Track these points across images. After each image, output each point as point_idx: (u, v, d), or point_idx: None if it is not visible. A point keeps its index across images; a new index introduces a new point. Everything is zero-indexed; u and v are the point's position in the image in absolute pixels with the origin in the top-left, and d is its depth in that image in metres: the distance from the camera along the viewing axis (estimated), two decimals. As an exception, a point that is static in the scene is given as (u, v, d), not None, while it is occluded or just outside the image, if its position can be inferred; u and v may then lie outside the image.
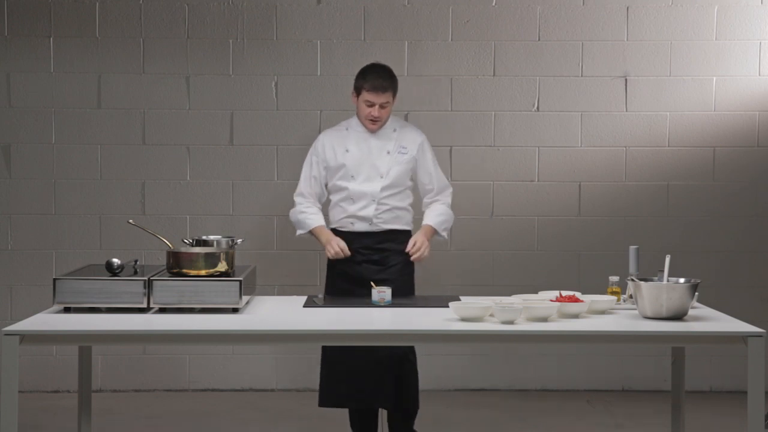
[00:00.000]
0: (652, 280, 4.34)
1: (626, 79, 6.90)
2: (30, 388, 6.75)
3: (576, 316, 4.33)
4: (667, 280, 4.30)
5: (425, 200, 5.42)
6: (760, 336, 3.96)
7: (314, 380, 6.83)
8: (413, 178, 5.42)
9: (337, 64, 6.84)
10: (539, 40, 6.88)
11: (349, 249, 5.24)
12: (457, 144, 6.90)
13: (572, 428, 6.16)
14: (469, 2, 6.87)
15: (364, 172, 5.30)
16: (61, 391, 6.87)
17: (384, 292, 4.69)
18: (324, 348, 5.29)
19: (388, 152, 5.31)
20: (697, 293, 4.39)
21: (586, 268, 6.90)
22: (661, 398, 6.51)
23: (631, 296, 4.53)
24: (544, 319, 4.22)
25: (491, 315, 4.24)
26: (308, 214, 5.35)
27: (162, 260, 4.73)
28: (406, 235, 5.33)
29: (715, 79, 6.90)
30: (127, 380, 6.92)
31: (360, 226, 5.29)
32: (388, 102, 5.26)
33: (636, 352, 6.95)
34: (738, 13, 6.88)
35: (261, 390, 6.95)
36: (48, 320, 4.18)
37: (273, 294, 6.54)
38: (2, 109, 6.83)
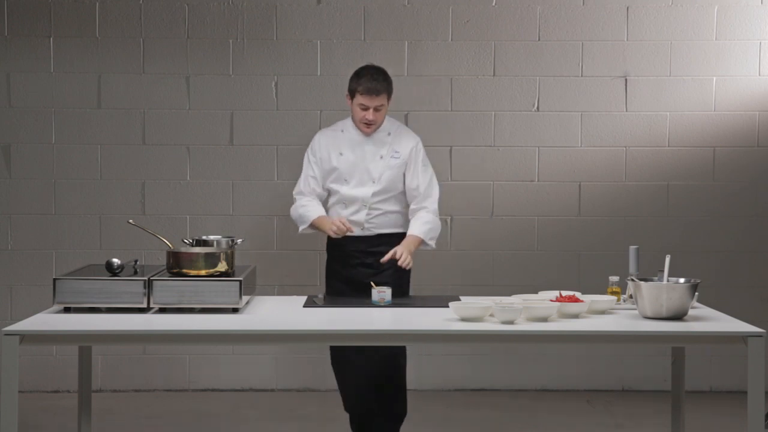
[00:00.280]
0: (652, 280, 4.34)
1: (626, 79, 6.90)
2: (30, 388, 6.75)
3: (576, 316, 4.33)
4: (667, 280, 4.30)
5: (412, 206, 5.31)
6: (760, 336, 3.96)
7: (314, 380, 6.85)
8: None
9: (337, 64, 6.84)
10: (539, 40, 6.88)
11: (344, 252, 5.21)
12: (457, 144, 6.90)
13: (572, 428, 6.16)
14: (469, 2, 6.87)
15: (356, 177, 5.25)
16: (61, 391, 6.87)
17: (384, 292, 4.69)
18: (332, 356, 5.29)
19: (381, 157, 5.25)
20: (697, 293, 4.39)
21: (586, 268, 6.90)
22: (661, 398, 6.51)
23: (631, 296, 4.53)
24: (544, 319, 4.22)
25: (491, 315, 4.24)
26: (308, 207, 5.29)
27: (162, 260, 4.73)
28: (400, 237, 5.24)
29: (715, 79, 6.90)
30: (127, 380, 6.92)
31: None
32: (382, 105, 5.20)
33: (636, 352, 6.96)
34: (738, 13, 6.88)
35: (261, 390, 6.95)
36: (48, 320, 4.18)
37: (273, 294, 6.54)
38: (2, 109, 6.83)
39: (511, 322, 4.14)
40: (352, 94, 5.22)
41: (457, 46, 6.88)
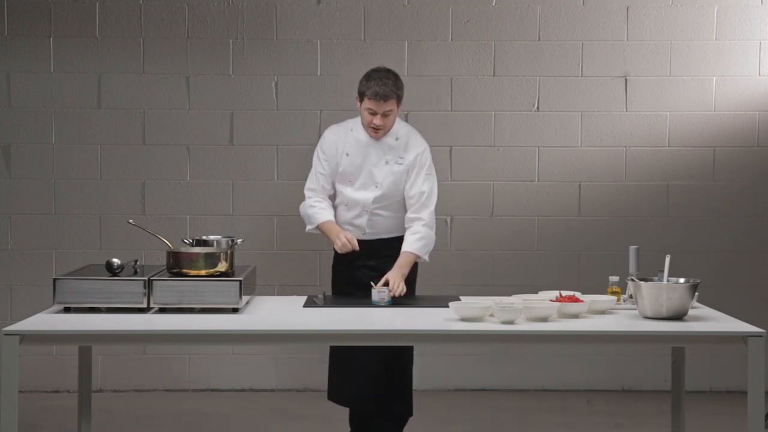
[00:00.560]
0: (652, 280, 4.34)
1: (626, 79, 6.90)
2: (30, 388, 6.75)
3: (576, 316, 4.33)
4: (667, 280, 4.30)
5: (408, 214, 5.19)
6: (760, 336, 3.96)
7: (314, 380, 6.85)
8: None
9: (337, 64, 6.84)
10: (539, 40, 6.89)
11: (348, 254, 5.16)
12: (457, 144, 6.90)
13: (572, 428, 6.16)
14: (469, 2, 6.87)
15: (360, 179, 5.19)
16: (61, 391, 6.87)
17: (384, 292, 4.69)
18: (332, 350, 5.26)
19: (386, 162, 5.19)
20: (697, 293, 4.39)
21: (586, 268, 6.90)
22: (661, 398, 6.51)
23: (631, 296, 4.53)
24: (544, 319, 4.22)
25: (491, 315, 4.24)
26: (317, 209, 5.22)
27: (162, 260, 4.73)
28: (401, 241, 5.16)
29: (715, 79, 6.90)
30: (127, 380, 6.92)
31: (355, 233, 5.21)
32: (391, 110, 5.07)
33: (636, 352, 6.96)
34: (738, 13, 6.88)
35: (261, 390, 6.95)
36: (48, 320, 4.18)
37: (273, 294, 6.54)
38: (2, 109, 6.83)
39: (511, 322, 4.14)
40: (360, 97, 5.09)
41: (457, 46, 6.88)
